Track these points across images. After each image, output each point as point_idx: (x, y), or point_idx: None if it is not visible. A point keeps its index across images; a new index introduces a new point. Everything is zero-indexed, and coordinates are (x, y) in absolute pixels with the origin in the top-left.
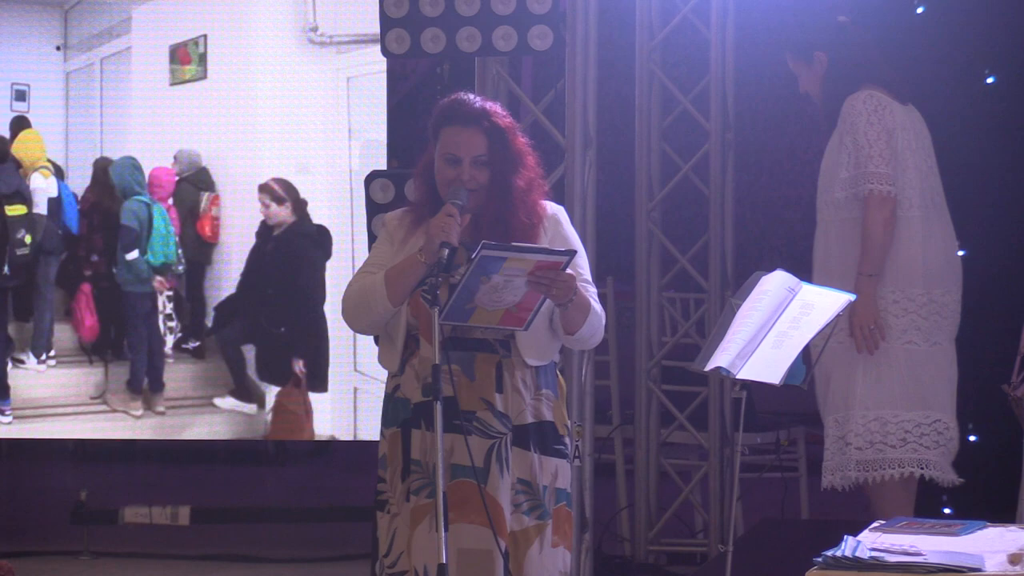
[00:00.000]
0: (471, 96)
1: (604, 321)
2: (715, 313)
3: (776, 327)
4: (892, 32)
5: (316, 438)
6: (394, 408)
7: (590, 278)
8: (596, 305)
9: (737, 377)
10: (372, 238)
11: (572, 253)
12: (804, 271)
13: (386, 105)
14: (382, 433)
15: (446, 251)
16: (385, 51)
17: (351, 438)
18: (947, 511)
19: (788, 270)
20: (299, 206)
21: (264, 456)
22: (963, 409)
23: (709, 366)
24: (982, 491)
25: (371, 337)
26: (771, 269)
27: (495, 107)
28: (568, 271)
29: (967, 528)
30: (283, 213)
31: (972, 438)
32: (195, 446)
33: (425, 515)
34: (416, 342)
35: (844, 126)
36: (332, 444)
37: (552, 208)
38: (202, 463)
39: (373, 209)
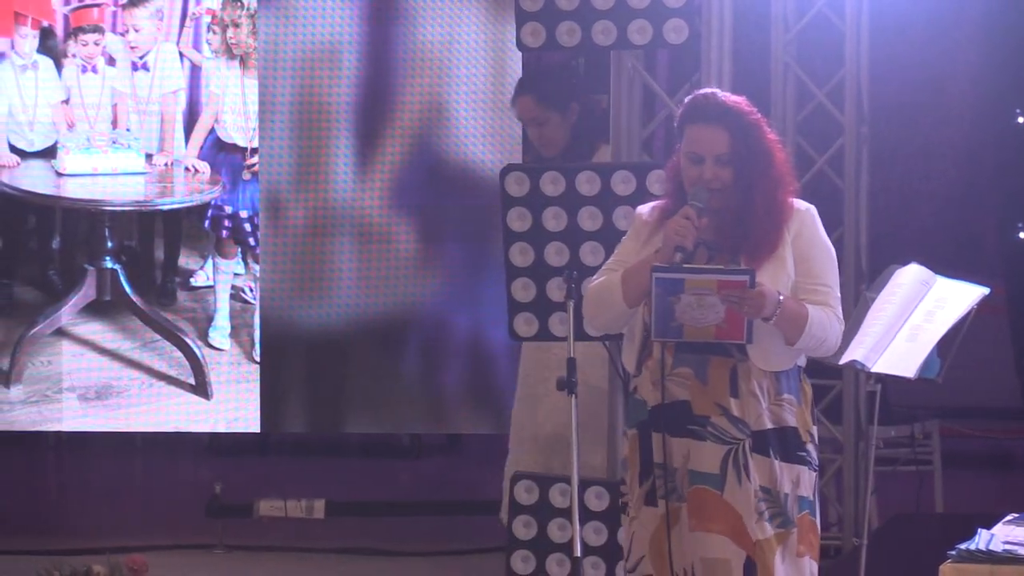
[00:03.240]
0: (715, 92)
1: (840, 328)
2: (850, 306)
3: (910, 320)
4: None
5: (450, 431)
6: (632, 409)
7: (830, 281)
8: (819, 313)
9: (872, 370)
10: (508, 232)
11: (750, 272)
12: (939, 265)
13: None
14: (624, 433)
15: (679, 255)
16: (520, 44)
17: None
18: None
19: (922, 264)
20: None
21: (398, 449)
22: None
23: (844, 359)
24: None
25: None
26: (905, 263)
27: (739, 103)
28: (762, 287)
29: None
30: None
31: None
32: (329, 439)
33: (674, 521)
34: (652, 343)
35: None
36: (466, 437)
37: (802, 206)
38: (336, 456)
39: (508, 202)
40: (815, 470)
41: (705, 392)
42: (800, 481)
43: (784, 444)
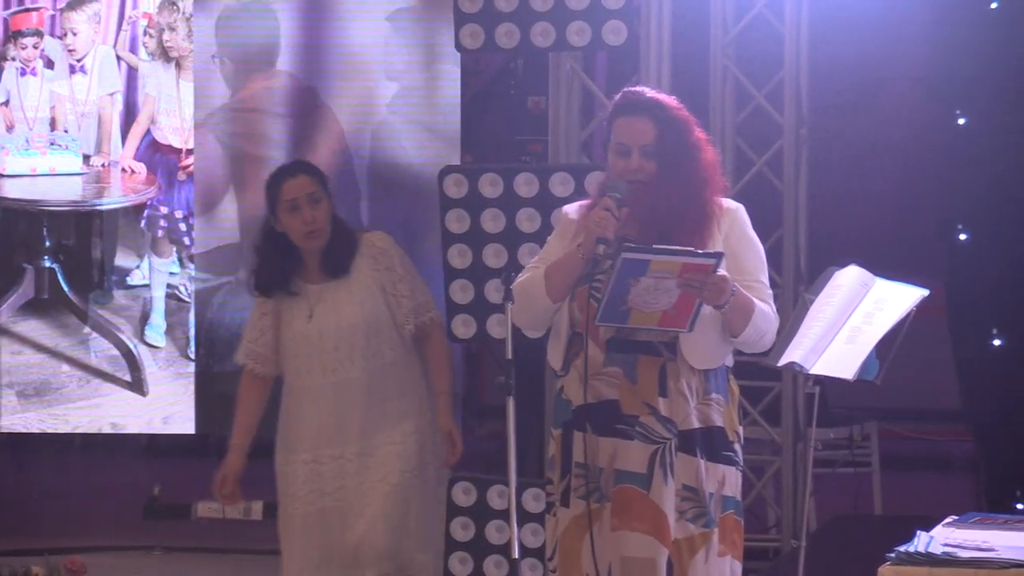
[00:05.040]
0: (644, 88)
1: (776, 323)
2: (789, 308)
3: (849, 322)
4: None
5: None
6: (558, 408)
7: (763, 278)
8: (762, 305)
9: (810, 372)
10: (447, 234)
11: (719, 255)
12: (878, 267)
13: (460, 100)
14: (550, 433)
15: (601, 247)
16: (459, 46)
17: None
18: (1021, 507)
19: (862, 265)
20: None
21: None
22: None
23: (783, 361)
24: None
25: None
26: (845, 264)
27: (669, 99)
28: (722, 272)
29: None
30: None
31: None
32: (267, 440)
33: (594, 520)
34: (581, 341)
35: None
36: None
37: (732, 205)
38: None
39: (446, 204)
40: (741, 470)
41: (634, 391)
42: (726, 481)
43: (710, 444)
